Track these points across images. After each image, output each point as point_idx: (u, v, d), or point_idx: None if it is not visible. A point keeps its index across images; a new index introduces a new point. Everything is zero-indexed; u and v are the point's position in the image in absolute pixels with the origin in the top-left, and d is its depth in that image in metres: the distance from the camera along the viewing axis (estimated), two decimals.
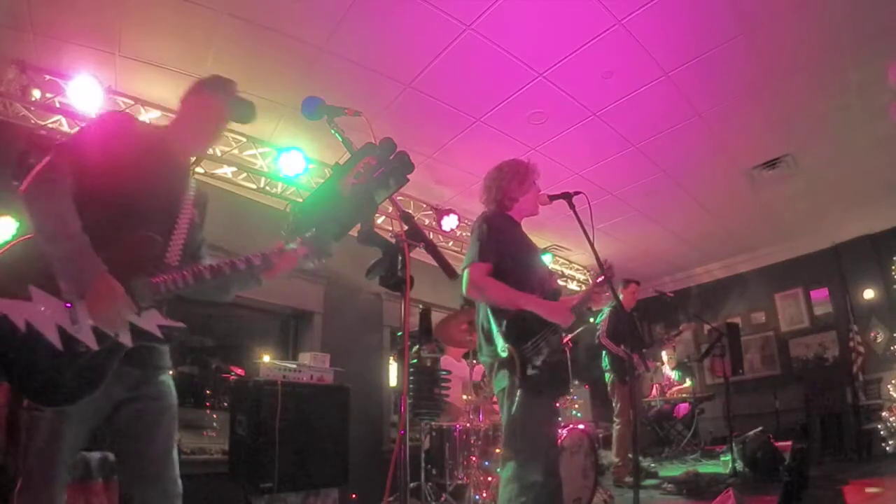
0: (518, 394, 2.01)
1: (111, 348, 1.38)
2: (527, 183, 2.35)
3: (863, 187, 5.69)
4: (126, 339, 1.41)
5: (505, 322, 2.07)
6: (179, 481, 1.53)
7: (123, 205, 1.47)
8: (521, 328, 2.06)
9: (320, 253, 1.64)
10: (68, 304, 1.34)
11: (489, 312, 2.15)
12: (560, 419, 3.78)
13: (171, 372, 1.63)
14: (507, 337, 2.05)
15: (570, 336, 4.12)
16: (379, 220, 4.80)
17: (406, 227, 1.36)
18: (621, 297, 4.75)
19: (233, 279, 1.62)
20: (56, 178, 1.39)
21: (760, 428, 4.46)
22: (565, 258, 7.43)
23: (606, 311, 5.01)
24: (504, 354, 2.04)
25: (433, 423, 3.91)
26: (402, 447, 1.28)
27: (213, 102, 1.67)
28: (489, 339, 2.17)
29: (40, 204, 1.37)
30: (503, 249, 2.17)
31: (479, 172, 2.50)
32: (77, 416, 1.38)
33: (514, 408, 2.01)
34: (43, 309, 1.32)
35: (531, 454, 2.02)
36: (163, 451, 1.51)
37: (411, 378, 3.78)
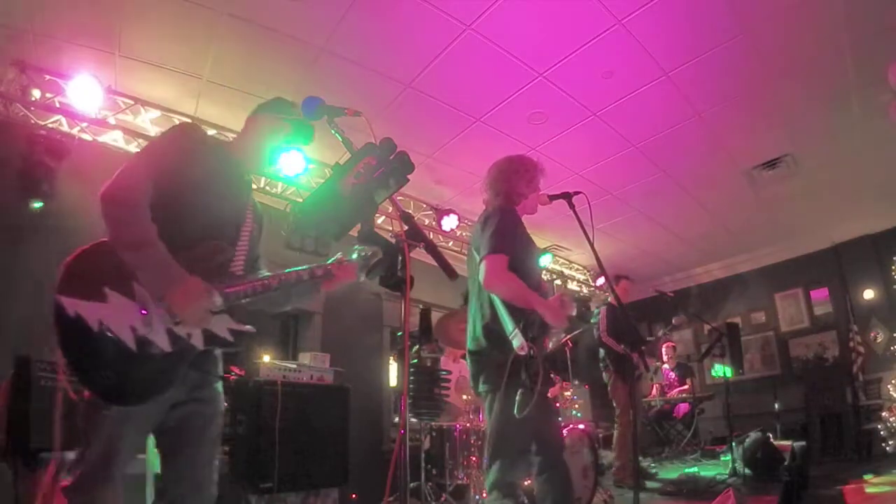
0: (519, 393, 1.97)
1: (183, 350, 1.41)
2: (535, 181, 2.33)
3: (863, 187, 5.69)
4: (198, 342, 1.44)
5: (523, 320, 2.03)
6: (216, 485, 1.54)
7: (194, 214, 1.50)
8: (532, 327, 2.05)
9: (366, 267, 1.67)
10: (144, 311, 1.36)
11: (503, 308, 2.08)
12: (560, 419, 3.78)
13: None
14: (525, 335, 2.00)
15: (568, 336, 4.12)
16: (379, 220, 4.80)
17: (406, 227, 1.36)
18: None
19: (295, 290, 1.67)
20: (135, 186, 1.41)
21: (760, 428, 4.46)
22: (565, 258, 7.43)
23: (600, 310, 4.98)
24: (523, 352, 1.99)
25: (433, 423, 3.91)
26: (402, 447, 1.28)
27: (273, 124, 1.72)
28: (494, 336, 2.10)
29: (119, 211, 1.38)
30: (516, 248, 2.12)
31: (479, 172, 2.49)
32: (141, 416, 1.40)
33: (516, 408, 1.97)
34: (117, 311, 1.34)
35: (521, 451, 2.03)
36: (208, 454, 1.54)
37: (411, 378, 3.78)
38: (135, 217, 1.38)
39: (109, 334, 1.31)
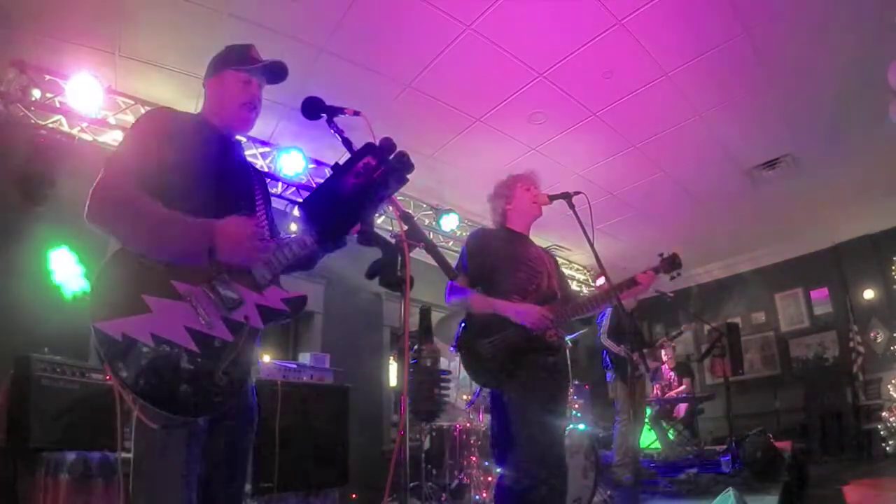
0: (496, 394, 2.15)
1: (246, 335, 1.35)
2: (510, 191, 2.44)
3: (863, 187, 5.69)
4: (257, 322, 1.38)
5: (463, 323, 2.24)
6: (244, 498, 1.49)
7: (207, 195, 1.41)
8: (476, 328, 2.19)
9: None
10: (200, 317, 1.28)
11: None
12: (559, 423, 3.77)
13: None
14: (459, 335, 2.23)
15: (569, 337, 4.11)
16: (379, 220, 4.80)
17: (406, 227, 1.36)
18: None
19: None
20: (118, 184, 1.30)
21: (760, 428, 4.45)
22: (565, 258, 7.42)
23: (605, 311, 4.97)
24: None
25: (433, 423, 3.91)
26: (402, 447, 1.28)
27: (230, 76, 1.61)
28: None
29: (115, 213, 1.28)
30: (482, 263, 2.29)
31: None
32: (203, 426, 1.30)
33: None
34: (166, 316, 1.23)
35: (517, 444, 2.05)
36: (241, 466, 1.47)
37: (411, 378, 3.78)
38: (136, 208, 1.27)
39: (167, 345, 1.20)
